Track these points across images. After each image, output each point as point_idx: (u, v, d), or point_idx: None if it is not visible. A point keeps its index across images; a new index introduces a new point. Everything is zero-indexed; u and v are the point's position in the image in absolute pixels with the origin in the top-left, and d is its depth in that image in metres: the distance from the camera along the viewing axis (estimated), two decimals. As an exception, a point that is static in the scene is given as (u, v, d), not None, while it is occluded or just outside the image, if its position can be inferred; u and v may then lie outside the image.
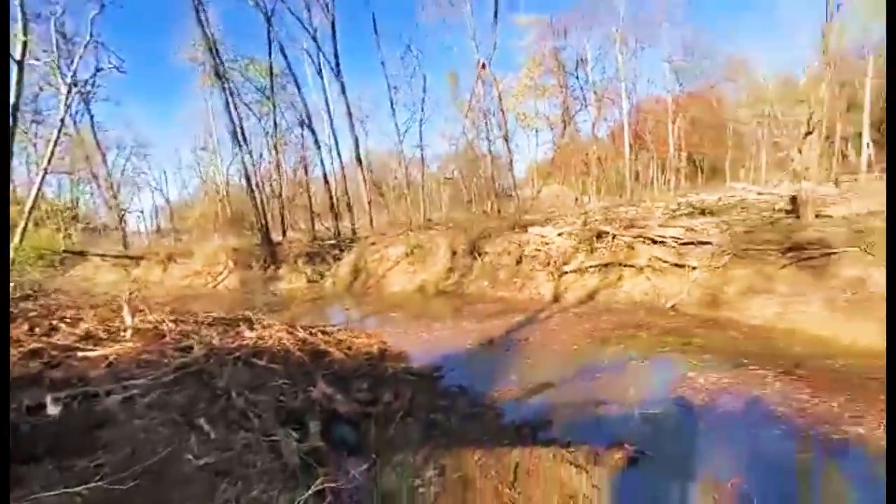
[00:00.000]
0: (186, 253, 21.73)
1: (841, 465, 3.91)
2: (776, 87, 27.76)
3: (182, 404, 4.15)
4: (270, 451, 3.69)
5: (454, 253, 14.73)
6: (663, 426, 4.68)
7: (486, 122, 23.65)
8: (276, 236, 22.33)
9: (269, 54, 21.16)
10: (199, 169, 41.92)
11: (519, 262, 12.96)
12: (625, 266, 10.92)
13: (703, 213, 12.26)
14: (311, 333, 7.54)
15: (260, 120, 25.85)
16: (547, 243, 12.81)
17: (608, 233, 11.74)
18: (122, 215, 31.05)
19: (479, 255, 14.09)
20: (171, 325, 6.45)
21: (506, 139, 22.16)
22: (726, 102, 33.88)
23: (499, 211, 21.91)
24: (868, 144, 20.82)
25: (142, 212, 42.80)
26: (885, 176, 16.18)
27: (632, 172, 29.17)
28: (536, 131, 34.25)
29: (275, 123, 23.35)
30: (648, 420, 4.81)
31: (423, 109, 25.46)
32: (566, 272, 11.76)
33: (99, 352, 5.25)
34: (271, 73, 21.87)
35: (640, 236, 11.10)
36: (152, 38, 52.88)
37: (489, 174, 25.24)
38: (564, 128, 30.47)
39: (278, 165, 25.50)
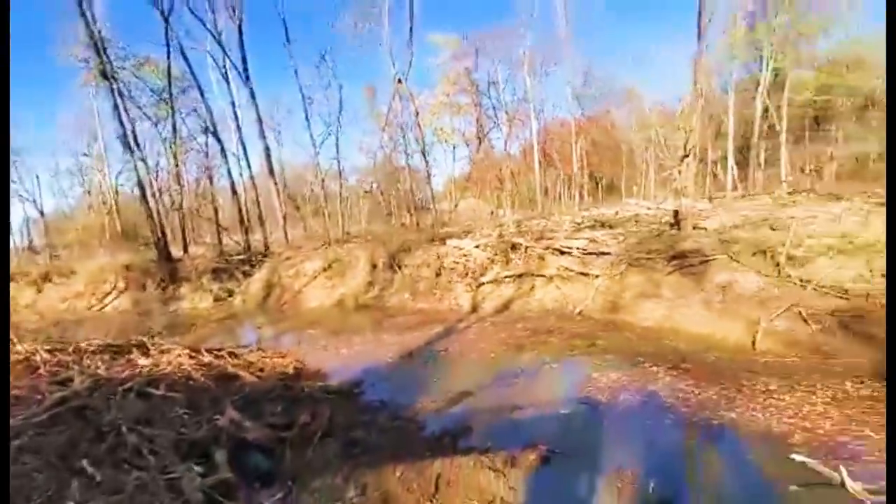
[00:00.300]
0: (66, 271, 19.04)
1: (719, 448, 4.47)
2: (659, 115, 31.51)
3: (61, 445, 3.64)
4: (170, 490, 3.37)
5: (374, 266, 14.57)
6: (572, 425, 5.02)
7: (404, 136, 23.88)
8: (177, 252, 20.44)
9: (168, 55, 19.53)
10: (82, 177, 37.11)
11: (438, 273, 13.17)
12: (537, 276, 11.57)
13: (603, 225, 13.43)
14: (217, 356, 7.00)
15: (156, 125, 23.66)
16: (465, 255, 13.18)
17: (521, 244, 12.40)
18: (-20, 230, 26.41)
19: (399, 267, 14.10)
20: (46, 356, 5.63)
21: (423, 153, 22.50)
22: (620, 126, 37.71)
23: (418, 224, 22.10)
24: (732, 167, 24.33)
25: (9, 226, 36.71)
26: (749, 194, 18.98)
27: (541, 188, 31.12)
28: (453, 147, 35.29)
29: (174, 129, 21.47)
30: (560, 420, 5.13)
31: (339, 121, 25.03)
32: (483, 283, 12.17)
33: (-53, 392, 4.41)
34: (169, 75, 20.16)
35: (550, 247, 11.87)
36: (25, 30, 46.20)
37: (408, 187, 25.42)
38: (479, 144, 31.78)
39: (178, 175, 23.41)
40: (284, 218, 22.70)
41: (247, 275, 16.85)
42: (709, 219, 11.39)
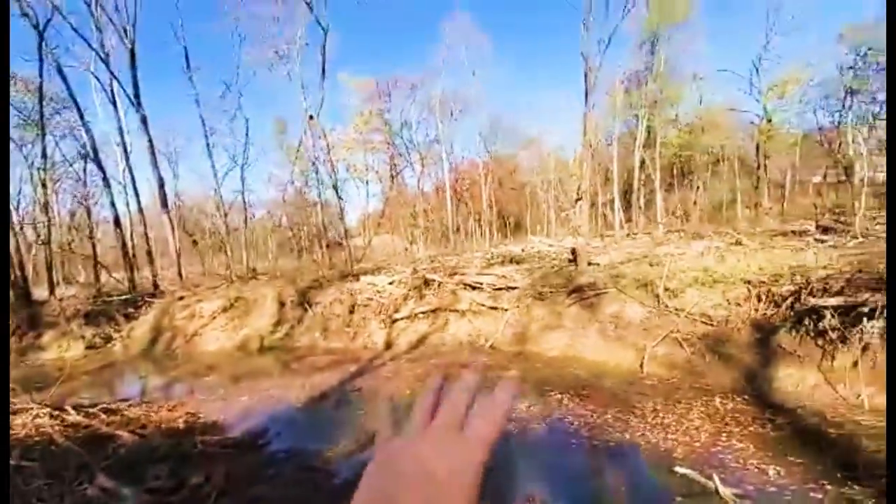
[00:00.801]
0: None
1: (618, 467, 4.82)
2: (555, 161, 34.89)
3: None
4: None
5: (282, 304, 13.78)
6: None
7: (317, 171, 23.44)
8: (41, 293, 17.57)
9: (40, 72, 17.37)
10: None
11: (351, 311, 12.83)
12: (450, 311, 11.79)
13: (511, 261, 14.19)
14: (87, 415, 6.09)
15: (21, 148, 20.68)
16: (379, 291, 13.04)
17: (435, 280, 12.61)
18: None
19: (310, 305, 13.49)
20: None
21: (336, 188, 22.17)
22: (523, 169, 40.88)
23: (330, 260, 21.49)
24: (618, 209, 27.48)
25: None
26: (632, 233, 21.39)
27: (454, 225, 32.25)
28: (367, 182, 35.40)
29: (44, 154, 18.89)
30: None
31: (245, 153, 23.90)
32: (398, 319, 12.09)
33: None
34: (41, 94, 17.88)
35: (462, 283, 12.22)
36: None
37: (320, 222, 24.76)
38: (392, 181, 32.25)
39: (46, 204, 20.43)
40: (178, 254, 20.71)
41: (130, 317, 14.95)
42: (601, 255, 12.59)
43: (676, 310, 8.56)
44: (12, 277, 15.49)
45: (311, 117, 20.23)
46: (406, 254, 24.63)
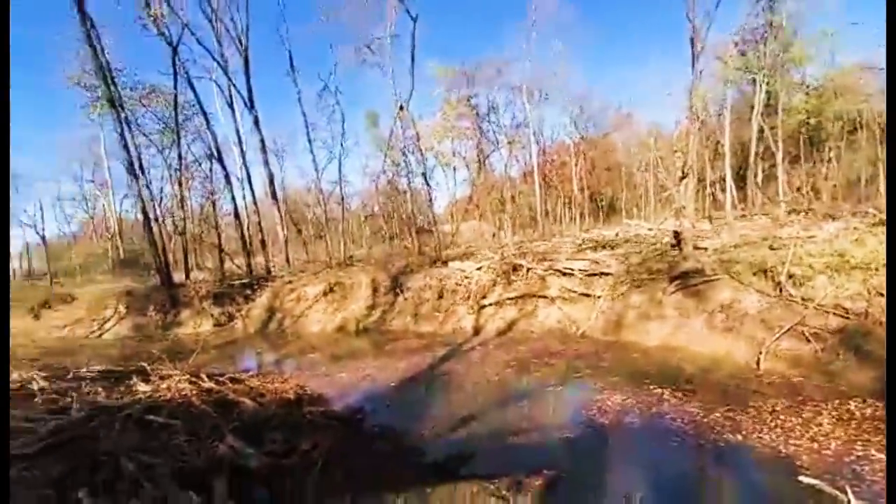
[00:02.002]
0: (66, 298, 19.03)
1: (726, 471, 4.38)
2: (655, 137, 31.98)
3: (56, 475, 3.57)
4: (168, 520, 3.30)
5: (375, 289, 14.55)
6: (578, 449, 4.92)
7: (406, 160, 24.18)
8: (179, 277, 20.45)
9: (175, 84, 20.00)
10: (86, 203, 37.55)
11: (440, 296, 13.14)
12: (539, 297, 11.54)
13: (604, 246, 13.45)
14: (217, 382, 6.92)
15: (161, 151, 24.06)
16: (467, 277, 13.17)
17: (523, 266, 12.40)
18: (-18, 257, 26.56)
19: (401, 290, 14.07)
20: (43, 384, 5.59)
21: (425, 176, 22.71)
22: (618, 149, 38.26)
23: (420, 247, 22.16)
24: (731, 187, 24.52)
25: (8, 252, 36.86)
26: (747, 214, 19.09)
27: (542, 209, 31.35)
28: (454, 169, 35.72)
29: (179, 156, 21.81)
30: (565, 444, 5.03)
31: (342, 146, 25.42)
32: (486, 305, 12.13)
33: (-56, 421, 4.37)
34: (176, 104, 20.62)
35: (552, 268, 11.87)
36: (27, 57, 47.48)
37: (410, 210, 25.58)
38: (479, 167, 32.14)
39: (182, 200, 23.65)
40: (286, 242, 22.79)
41: (248, 299, 16.82)
42: (709, 239, 11.41)
43: (803, 300, 7.49)
44: (157, 264, 18.18)
45: (401, 108, 20.82)
46: (494, 239, 24.51)
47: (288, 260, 21.96)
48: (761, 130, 23.79)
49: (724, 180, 25.69)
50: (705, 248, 10.57)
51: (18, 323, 17.98)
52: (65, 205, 38.17)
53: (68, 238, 39.80)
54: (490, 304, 12.10)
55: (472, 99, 29.52)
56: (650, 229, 15.16)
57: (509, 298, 11.93)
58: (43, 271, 33.65)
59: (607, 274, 10.77)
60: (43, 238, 35.50)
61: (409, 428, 5.80)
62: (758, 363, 6.95)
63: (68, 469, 3.70)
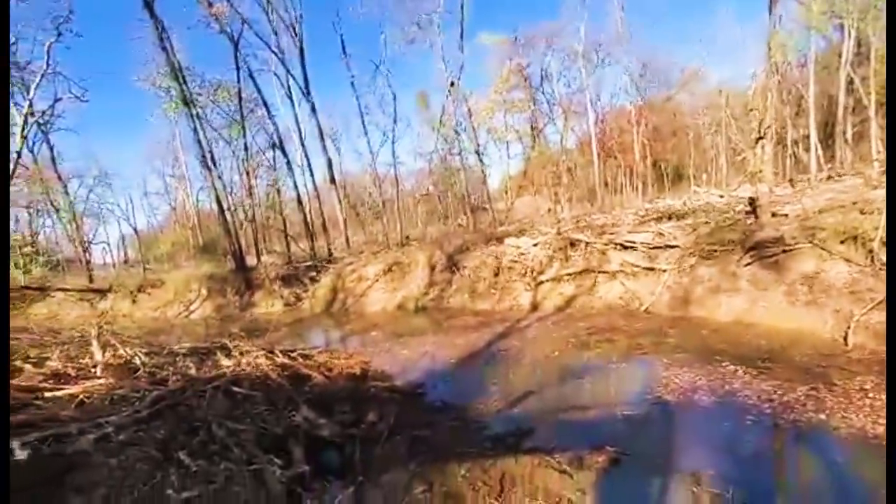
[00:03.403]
0: (156, 283, 21.11)
1: (807, 452, 4.10)
2: (727, 96, 29.16)
3: (160, 439, 4.05)
4: (254, 481, 3.65)
5: (433, 268, 14.80)
6: (642, 426, 4.82)
7: (458, 138, 24.04)
8: (251, 261, 21.95)
9: (238, 79, 21.12)
10: (169, 196, 41.03)
11: (497, 273, 13.13)
12: (599, 272, 11.20)
13: (670, 217, 12.72)
14: (290, 357, 7.45)
15: (229, 144, 25.62)
16: (523, 254, 13.03)
17: (581, 241, 12.05)
18: (86, 247, 29.96)
19: (458, 268, 14.21)
20: (144, 359, 6.29)
21: (478, 153, 22.55)
22: (684, 111, 35.47)
23: (474, 224, 22.14)
24: (815, 147, 22.04)
25: (108, 243, 41.35)
26: (835, 175, 17.15)
27: (601, 181, 30.04)
28: (507, 144, 35.00)
29: (245, 147, 23.15)
30: (628, 421, 4.94)
31: (394, 128, 25.73)
32: (543, 281, 11.97)
33: (68, 390, 5.07)
34: (240, 97, 21.78)
35: (612, 242, 11.44)
36: (113, 65, 51.90)
37: (463, 188, 25.55)
38: (534, 140, 31.27)
39: (250, 189, 25.18)
40: (345, 224, 23.67)
41: (313, 280, 17.75)
42: (790, 204, 10.42)
43: (902, 269, 6.69)
44: (231, 249, 19.60)
45: (451, 84, 20.63)
46: (549, 214, 23.95)
47: (348, 242, 22.84)
48: (850, 82, 21.06)
49: (807, 139, 23.15)
50: (785, 215, 9.68)
51: (120, 305, 20.25)
52: (151, 198, 42.01)
53: (155, 229, 43.90)
54: (547, 281, 11.93)
55: (525, 69, 28.56)
56: (721, 196, 14.09)
57: (567, 274, 11.69)
58: (136, 259, 37.45)
59: (673, 246, 10.21)
60: (135, 229, 39.41)
61: (469, 402, 5.94)
62: (845, 338, 6.36)
63: (169, 433, 4.18)
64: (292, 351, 7.97)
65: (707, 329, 7.89)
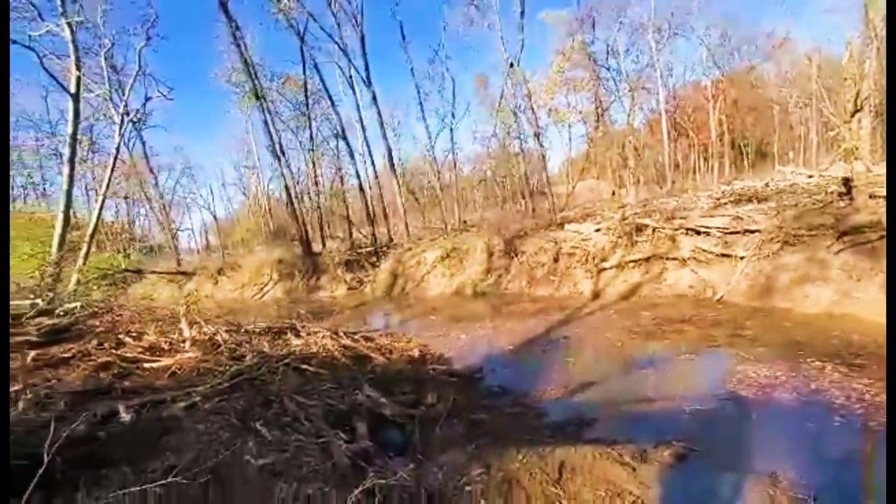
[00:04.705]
0: (234, 267, 22.83)
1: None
2: (821, 65, 25.98)
3: (239, 409, 4.42)
4: (322, 453, 3.89)
5: (491, 254, 14.75)
6: (714, 422, 4.55)
7: (517, 121, 23.52)
8: (317, 247, 23.06)
9: (304, 71, 21.99)
10: (242, 185, 43.98)
11: (556, 259, 12.83)
12: (667, 259, 10.60)
13: (749, 199, 11.71)
14: (353, 339, 7.80)
15: (296, 135, 26.88)
16: (584, 240, 12.62)
17: (648, 226, 11.45)
18: (174, 234, 33.01)
19: (516, 254, 14.05)
20: (225, 336, 6.85)
21: (537, 136, 21.93)
22: (769, 83, 32.21)
23: (533, 209, 21.71)
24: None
25: (192, 230, 45.33)
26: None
27: (671, 162, 28.21)
28: (569, 126, 33.72)
29: (311, 137, 24.17)
30: (698, 416, 4.68)
31: (453, 113, 25.67)
32: (605, 268, 11.54)
33: (162, 362, 5.66)
34: (306, 90, 22.69)
35: (683, 227, 10.76)
36: (194, 64, 55.97)
37: (522, 173, 25.07)
38: (598, 120, 29.85)
39: (316, 178, 26.35)
40: (405, 211, 24.12)
41: (374, 265, 18.35)
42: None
43: None
44: (299, 235, 20.69)
45: (511, 65, 20.16)
46: (614, 198, 22.92)
47: (407, 227, 23.28)
48: None
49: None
50: (885, 197, 8.56)
51: (204, 287, 22.13)
52: (228, 188, 45.31)
53: (232, 216, 47.36)
54: (610, 268, 11.48)
55: (589, 45, 27.19)
56: (811, 177, 12.73)
57: (632, 261, 11.17)
58: (217, 245, 40.69)
59: (753, 231, 9.41)
60: (214, 217, 42.80)
61: (527, 389, 5.91)
62: (963, 336, 5.57)
63: (247, 404, 4.55)
64: (355, 333, 8.33)
65: (790, 321, 7.24)
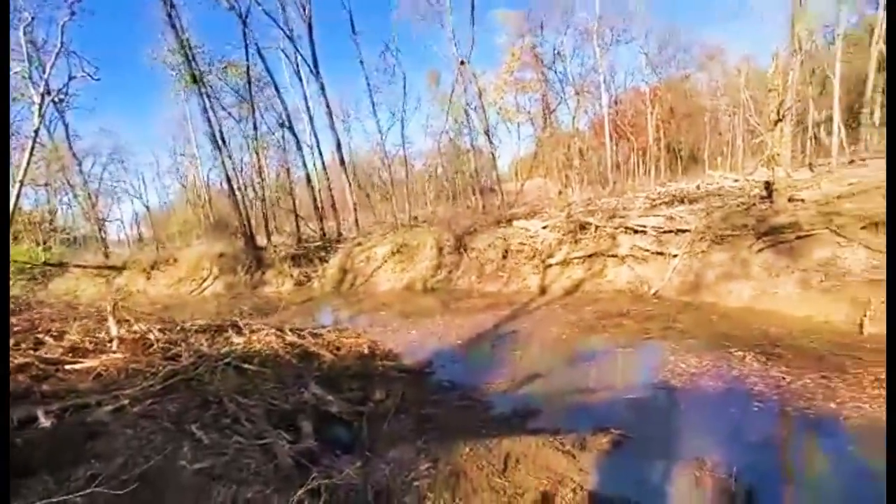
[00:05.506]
0: (170, 260, 21.45)
1: (814, 439, 4.09)
2: (748, 75, 28.24)
3: (173, 412, 4.17)
4: (264, 454, 3.75)
5: (441, 249, 14.81)
6: (647, 410, 4.84)
7: (468, 118, 23.71)
8: (261, 240, 22.14)
9: (247, 56, 20.90)
10: (179, 174, 41.27)
11: (505, 256, 13.10)
12: (608, 256, 11.12)
13: (682, 201, 12.50)
14: (300, 336, 7.57)
15: (239, 123, 25.54)
16: (532, 236, 12.97)
17: (591, 224, 11.94)
18: (102, 225, 30.44)
19: (466, 250, 14.20)
20: (158, 334, 6.43)
21: (487, 134, 22.26)
22: (702, 92, 34.57)
23: (483, 206, 22.02)
24: (839, 129, 21.37)
25: (122, 220, 41.96)
26: (859, 159, 16.67)
27: (613, 163, 29.57)
28: (518, 125, 34.46)
29: (255, 126, 23.05)
30: (633, 405, 4.96)
31: (404, 108, 25.45)
32: (552, 264, 11.93)
33: (86, 363, 5.22)
34: (248, 76, 21.60)
35: (622, 226, 11.32)
36: (124, 44, 51.74)
37: (473, 169, 25.34)
38: (545, 121, 30.73)
39: (260, 168, 25.20)
40: (355, 205, 23.67)
41: (323, 260, 17.89)
42: (808, 189, 10.18)
43: (924, 256, 6.54)
44: (242, 229, 19.77)
45: (462, 62, 20.27)
46: (560, 197, 23.71)
47: (357, 222, 22.87)
48: (883, 59, 20.25)
49: (831, 121, 22.45)
50: (802, 200, 9.47)
51: (135, 282, 20.65)
52: (163, 177, 42.33)
53: (168, 207, 44.36)
54: (556, 264, 11.88)
55: (537, 47, 27.90)
56: (736, 180, 13.80)
57: (576, 258, 11.62)
58: (150, 237, 37.99)
59: (684, 231, 10.08)
60: (147, 207, 39.89)
61: (476, 383, 6.01)
62: (861, 327, 6.27)
63: (182, 407, 4.30)
64: (302, 329, 8.09)
65: (716, 315, 7.83)
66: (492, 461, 3.80)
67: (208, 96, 19.89)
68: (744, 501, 3.30)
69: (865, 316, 6.31)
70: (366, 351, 7.59)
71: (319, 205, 23.06)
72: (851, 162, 15.18)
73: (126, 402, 4.13)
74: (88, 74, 18.19)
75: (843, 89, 22.31)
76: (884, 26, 19.77)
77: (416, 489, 3.45)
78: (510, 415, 4.95)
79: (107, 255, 25.73)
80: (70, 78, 18.71)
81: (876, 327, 6.17)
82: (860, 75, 21.66)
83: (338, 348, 7.47)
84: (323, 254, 18.23)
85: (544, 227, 12.93)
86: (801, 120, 24.26)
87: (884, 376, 4.86)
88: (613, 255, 11.00)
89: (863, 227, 7.55)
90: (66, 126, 24.93)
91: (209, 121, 19.48)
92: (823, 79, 24.87)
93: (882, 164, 11.90)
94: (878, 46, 19.96)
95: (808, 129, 25.89)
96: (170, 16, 17.61)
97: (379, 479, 3.52)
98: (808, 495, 3.39)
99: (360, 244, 17.58)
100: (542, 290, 11.42)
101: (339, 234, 21.02)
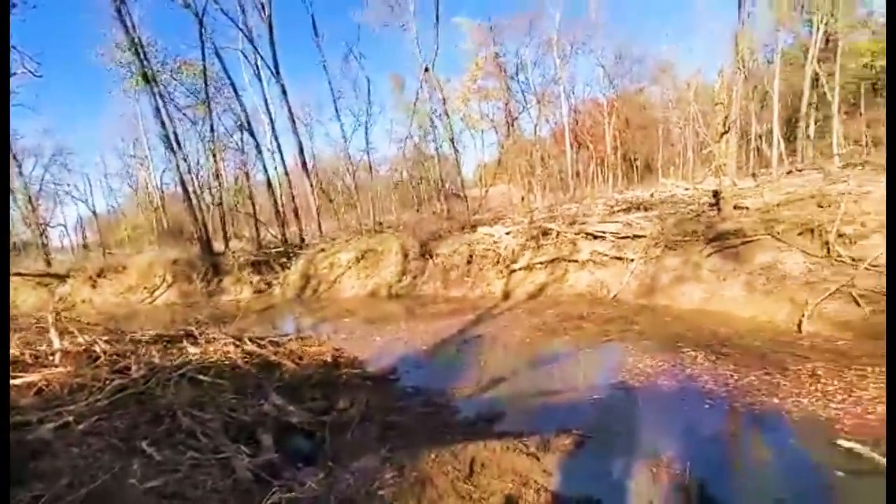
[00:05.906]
0: (118, 268, 20.27)
1: (760, 433, 4.35)
2: (697, 89, 29.90)
3: (122, 428, 3.94)
4: (221, 469, 3.60)
5: (406, 255, 14.76)
6: (607, 410, 4.99)
7: (433, 124, 23.83)
8: (219, 246, 21.33)
9: (203, 56, 20.13)
10: (129, 177, 39.16)
11: (469, 261, 13.21)
12: (569, 261, 11.42)
13: (638, 208, 13.05)
14: (260, 345, 7.32)
15: (195, 124, 24.58)
16: (496, 242, 13.15)
17: (553, 230, 12.24)
18: (43, 230, 28.46)
19: (431, 256, 14.22)
20: (105, 346, 6.05)
21: (452, 141, 22.43)
22: (655, 104, 36.27)
23: (448, 212, 22.13)
24: (778, 141, 22.94)
25: (65, 225, 39.30)
26: (796, 170, 17.92)
27: (573, 171, 30.47)
28: (482, 132, 34.95)
29: (212, 128, 22.21)
30: (594, 405, 5.11)
31: (368, 113, 25.29)
32: (515, 269, 12.13)
33: (26, 378, 4.85)
34: (205, 76, 20.82)
35: (582, 232, 11.67)
36: (69, 39, 48.77)
37: (437, 176, 25.44)
38: (508, 129, 31.29)
39: (217, 172, 24.32)
40: (318, 211, 23.23)
41: (284, 267, 17.42)
42: (751, 197, 10.86)
43: (853, 260, 7.12)
44: (198, 234, 18.97)
45: (426, 69, 20.37)
46: (523, 203, 24.17)
47: (320, 228, 22.44)
48: (816, 77, 21.95)
49: (771, 134, 24.08)
50: (746, 208, 10.09)
51: (80, 291, 19.38)
52: (111, 179, 39.99)
53: (116, 211, 41.94)
54: (519, 269, 12.10)
55: (500, 57, 28.45)
56: (687, 189, 14.54)
57: (539, 263, 11.88)
58: (96, 243, 35.78)
59: (640, 236, 10.51)
60: (93, 212, 37.59)
61: (440, 388, 6.01)
62: (799, 326, 6.73)
63: (133, 423, 4.07)
64: (262, 338, 7.83)
65: (670, 317, 8.20)
66: (457, 466, 3.81)
67: (161, 96, 19.05)
68: (696, 494, 3.46)
69: (804, 316, 6.77)
70: (329, 359, 7.42)
71: (281, 209, 22.48)
72: (790, 172, 16.32)
73: (70, 418, 3.86)
74: (30, 71, 17.02)
75: (782, 104, 24.03)
76: (818, 47, 21.40)
77: (381, 498, 3.41)
78: (475, 419, 4.98)
79: (48, 262, 24.03)
80: (10, 74, 17.42)
81: (813, 326, 6.64)
82: (797, 91, 23.34)
83: (300, 357, 7.27)
84: (284, 260, 17.76)
85: (508, 233, 13.14)
86: (745, 132, 25.87)
87: (821, 372, 5.24)
88: (574, 260, 11.31)
89: (800, 234, 8.13)
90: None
91: (162, 122, 18.64)
92: (764, 94, 26.66)
93: (816, 176, 12.87)
94: (812, 66, 21.58)
95: (751, 140, 27.65)
96: (119, 11, 16.79)
97: (343, 490, 3.46)
98: (755, 486, 3.59)
99: (323, 250, 17.25)
100: (506, 295, 11.59)
101: (302, 240, 20.53)
